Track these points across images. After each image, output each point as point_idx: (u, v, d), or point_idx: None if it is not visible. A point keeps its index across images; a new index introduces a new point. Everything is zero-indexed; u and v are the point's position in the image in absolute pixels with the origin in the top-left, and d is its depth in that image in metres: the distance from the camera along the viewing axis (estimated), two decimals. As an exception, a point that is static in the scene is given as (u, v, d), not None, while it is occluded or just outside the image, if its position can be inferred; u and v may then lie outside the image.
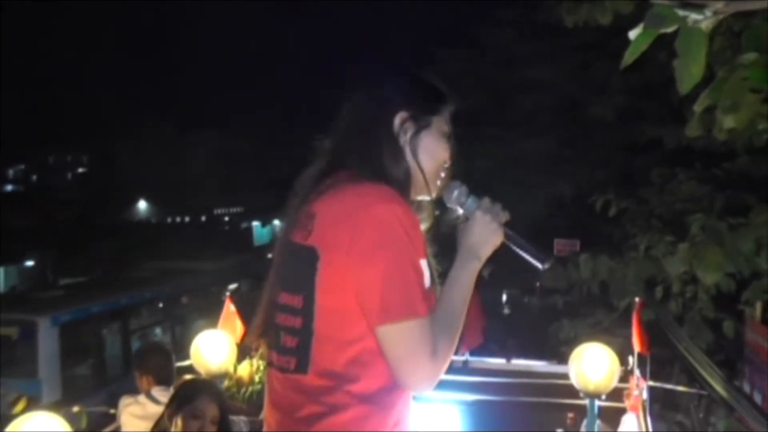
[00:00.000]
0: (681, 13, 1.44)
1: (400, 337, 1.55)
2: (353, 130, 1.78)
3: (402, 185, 1.72)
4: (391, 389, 1.60)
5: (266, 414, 1.74)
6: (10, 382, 9.55)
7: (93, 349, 11.36)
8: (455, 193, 1.85)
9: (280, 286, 1.71)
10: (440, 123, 1.82)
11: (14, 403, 9.00)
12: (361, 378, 1.58)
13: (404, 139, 1.76)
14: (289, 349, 1.65)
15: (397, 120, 1.77)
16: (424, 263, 1.65)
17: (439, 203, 1.89)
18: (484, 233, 1.79)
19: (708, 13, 1.46)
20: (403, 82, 1.85)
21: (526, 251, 1.84)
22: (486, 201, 1.83)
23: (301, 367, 1.62)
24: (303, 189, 1.78)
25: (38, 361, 10.12)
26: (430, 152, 1.78)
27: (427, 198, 1.84)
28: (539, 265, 1.85)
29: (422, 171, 1.77)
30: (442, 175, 1.83)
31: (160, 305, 13.50)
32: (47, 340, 10.24)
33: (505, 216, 1.82)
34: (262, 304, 1.77)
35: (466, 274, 1.75)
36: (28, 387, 9.60)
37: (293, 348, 1.64)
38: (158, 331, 13.10)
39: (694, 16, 1.44)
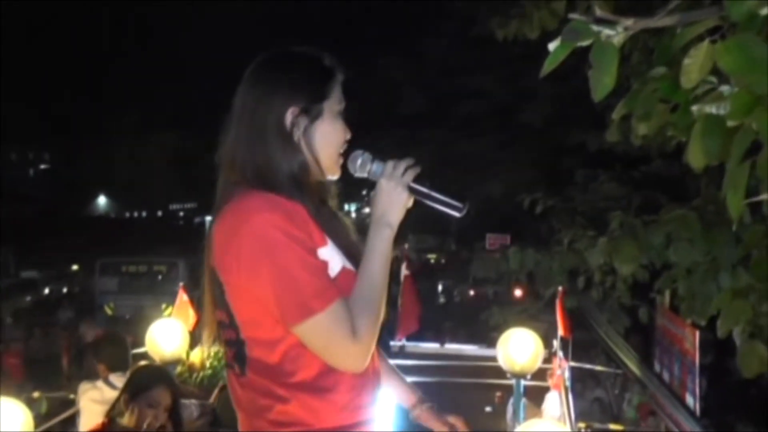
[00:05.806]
0: (595, 28, 1.48)
1: (310, 335, 1.53)
2: (244, 135, 1.64)
3: (298, 179, 1.62)
4: (329, 371, 1.58)
5: (237, 414, 1.71)
6: (164, 298, 14.61)
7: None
8: (359, 161, 1.72)
9: (212, 303, 1.68)
10: (332, 104, 1.67)
11: (165, 309, 13.23)
12: (296, 371, 1.57)
13: (298, 134, 1.64)
14: (233, 358, 1.64)
15: (289, 116, 1.63)
16: (325, 251, 1.59)
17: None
18: (390, 200, 1.68)
19: (619, 29, 1.50)
20: (287, 73, 1.67)
21: (439, 203, 1.71)
22: (389, 165, 1.70)
23: (242, 372, 1.62)
24: (216, 210, 1.68)
25: (178, 287, 13.65)
26: (326, 141, 1.66)
27: (332, 178, 1.74)
28: (456, 214, 1.71)
29: (318, 161, 1.66)
30: (342, 152, 1.71)
31: None
32: (184, 273, 16.42)
33: (413, 172, 1.69)
34: (205, 321, 1.72)
35: (381, 243, 1.65)
36: (173, 302, 13.41)
37: (233, 357, 1.64)
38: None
39: (606, 31, 1.48)
